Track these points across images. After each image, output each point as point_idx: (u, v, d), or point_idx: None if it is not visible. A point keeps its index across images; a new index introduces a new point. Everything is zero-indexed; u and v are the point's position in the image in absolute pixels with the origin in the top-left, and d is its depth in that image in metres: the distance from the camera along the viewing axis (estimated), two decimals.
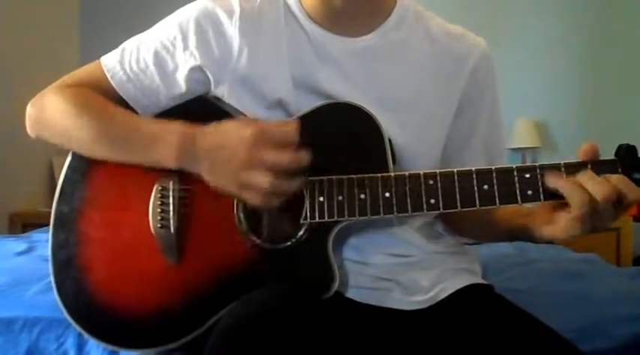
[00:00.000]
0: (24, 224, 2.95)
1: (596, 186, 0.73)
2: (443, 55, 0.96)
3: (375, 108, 0.88)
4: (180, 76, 0.92)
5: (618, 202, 0.73)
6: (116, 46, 0.98)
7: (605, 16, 3.44)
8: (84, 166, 0.95)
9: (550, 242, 0.83)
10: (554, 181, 0.76)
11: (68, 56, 3.48)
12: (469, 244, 1.07)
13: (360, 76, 0.93)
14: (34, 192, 3.22)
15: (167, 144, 0.85)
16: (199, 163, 0.84)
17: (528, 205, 0.81)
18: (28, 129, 0.98)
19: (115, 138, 0.90)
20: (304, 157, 0.80)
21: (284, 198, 0.81)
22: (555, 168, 0.78)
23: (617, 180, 0.73)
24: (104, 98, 0.93)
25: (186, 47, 0.92)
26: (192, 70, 0.92)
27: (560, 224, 0.76)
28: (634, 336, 1.06)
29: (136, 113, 0.94)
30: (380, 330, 0.88)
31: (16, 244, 1.79)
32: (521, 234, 0.87)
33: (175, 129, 0.85)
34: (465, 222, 1.00)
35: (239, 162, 0.80)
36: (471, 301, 0.91)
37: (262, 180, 0.79)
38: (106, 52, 0.98)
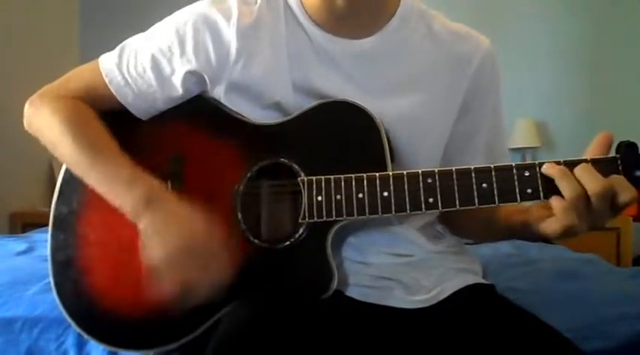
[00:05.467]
0: (24, 224, 2.95)
1: (590, 180, 0.73)
2: (446, 54, 0.95)
3: (377, 109, 0.88)
4: (177, 80, 0.92)
5: (613, 201, 0.73)
6: (116, 46, 0.98)
7: (605, 16, 3.44)
8: None
9: (549, 239, 0.83)
10: (549, 168, 0.76)
11: (68, 56, 3.48)
12: (469, 244, 1.07)
13: (361, 78, 0.92)
14: (34, 192, 3.22)
15: (129, 195, 0.83)
16: (144, 225, 0.82)
17: (527, 203, 0.81)
18: (25, 126, 0.98)
19: (89, 171, 0.89)
20: (218, 288, 0.79)
21: (187, 301, 0.79)
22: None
23: (613, 178, 0.74)
24: (95, 120, 0.92)
25: (183, 52, 0.92)
26: (189, 73, 0.92)
27: (556, 215, 0.76)
28: (633, 336, 1.06)
29: (130, 115, 0.94)
30: (381, 329, 0.88)
31: (16, 244, 1.79)
32: (519, 230, 0.87)
33: (140, 186, 0.84)
34: (463, 220, 1.00)
35: (174, 249, 0.78)
36: (472, 300, 0.91)
37: (187, 272, 0.78)
38: (106, 52, 0.98)
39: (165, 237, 0.79)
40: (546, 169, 0.77)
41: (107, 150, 0.89)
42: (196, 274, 0.78)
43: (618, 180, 0.73)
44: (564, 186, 0.74)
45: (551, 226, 0.78)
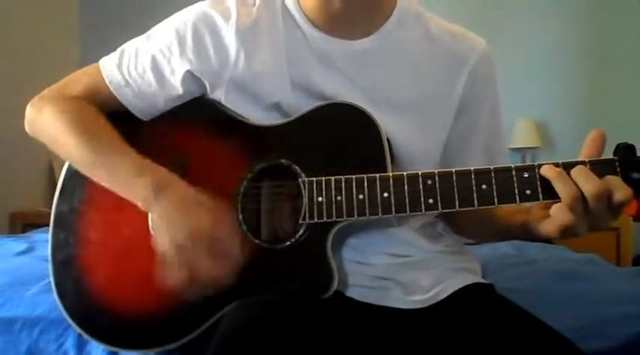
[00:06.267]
0: (24, 224, 2.94)
1: (586, 181, 0.74)
2: (443, 55, 0.96)
3: (374, 109, 0.88)
4: (177, 79, 0.92)
5: (609, 201, 0.73)
6: (116, 46, 0.99)
7: (605, 16, 3.44)
8: None
9: (548, 238, 0.83)
10: (546, 170, 0.77)
11: (68, 56, 3.48)
12: (469, 244, 1.07)
13: (359, 79, 0.93)
14: (34, 192, 3.22)
15: (139, 185, 0.84)
16: (156, 213, 0.82)
17: (527, 205, 0.81)
18: (26, 128, 0.99)
19: (94, 166, 0.89)
20: (229, 277, 0.79)
21: (196, 291, 0.79)
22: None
23: (608, 178, 0.74)
24: (99, 117, 0.93)
25: (182, 52, 0.92)
26: (189, 73, 0.92)
27: (553, 214, 0.77)
28: (634, 336, 1.06)
29: (133, 117, 0.95)
30: (380, 329, 0.89)
31: (16, 244, 1.79)
32: (519, 231, 0.87)
33: (149, 175, 0.84)
34: (463, 221, 1.00)
35: (186, 235, 0.78)
36: (471, 300, 0.91)
37: (199, 258, 0.78)
38: (107, 52, 0.99)
39: (177, 223, 0.80)
40: (544, 171, 0.77)
41: (112, 144, 0.89)
42: (207, 260, 0.78)
43: (613, 181, 0.74)
44: (561, 187, 0.75)
45: (548, 226, 0.78)
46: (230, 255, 0.79)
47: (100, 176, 0.88)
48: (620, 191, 0.73)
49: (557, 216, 0.75)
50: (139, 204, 0.84)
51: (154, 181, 0.83)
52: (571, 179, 0.75)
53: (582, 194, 0.73)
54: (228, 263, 0.79)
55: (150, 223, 0.85)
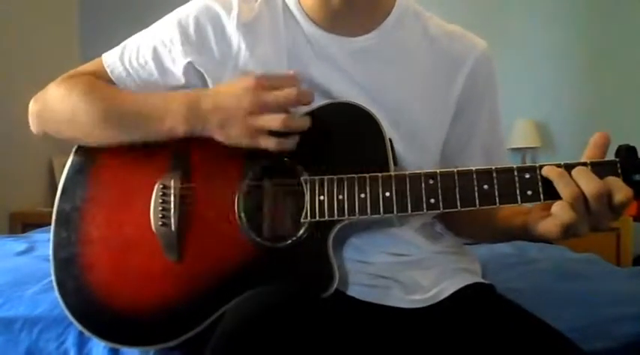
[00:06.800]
0: (24, 224, 2.94)
1: (587, 182, 0.74)
2: (441, 55, 0.96)
3: (372, 107, 0.88)
4: (178, 69, 0.94)
5: (610, 201, 0.74)
6: (116, 45, 0.99)
7: (604, 17, 3.45)
8: (86, 164, 0.95)
9: (548, 239, 0.84)
10: (548, 170, 0.77)
11: (68, 56, 3.48)
12: (469, 244, 1.07)
13: (358, 76, 0.93)
14: (34, 192, 3.22)
15: (174, 112, 0.88)
16: (208, 122, 0.86)
17: (528, 205, 0.81)
18: (32, 126, 0.99)
19: (122, 114, 0.91)
20: (309, 91, 0.85)
21: (297, 140, 0.85)
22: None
23: (609, 179, 0.74)
24: (107, 84, 0.96)
25: (184, 43, 0.93)
26: (190, 64, 0.93)
27: (554, 213, 0.77)
28: (634, 336, 1.06)
29: None
30: (380, 328, 0.89)
31: (16, 244, 1.79)
32: (520, 232, 0.87)
33: (178, 97, 0.89)
34: (464, 221, 1.00)
35: (246, 109, 0.83)
36: (471, 300, 0.91)
37: (273, 119, 0.83)
38: (106, 51, 0.99)
39: (235, 113, 0.84)
40: (545, 172, 0.77)
41: (130, 95, 0.93)
42: (276, 96, 0.83)
43: (613, 181, 0.74)
44: (562, 187, 0.75)
45: (549, 224, 0.78)
46: (289, 79, 0.86)
47: (129, 128, 0.91)
48: (621, 192, 0.73)
49: (559, 214, 0.75)
50: (183, 128, 0.87)
51: (185, 99, 0.88)
52: (572, 179, 0.75)
53: (583, 194, 0.74)
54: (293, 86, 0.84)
55: (217, 136, 0.87)
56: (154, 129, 0.89)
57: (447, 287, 0.92)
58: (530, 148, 3.38)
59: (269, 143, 0.84)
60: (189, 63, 0.93)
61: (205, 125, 0.87)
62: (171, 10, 0.98)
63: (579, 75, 3.46)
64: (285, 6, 0.96)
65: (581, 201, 0.74)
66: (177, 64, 0.94)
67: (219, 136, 0.87)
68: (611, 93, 3.41)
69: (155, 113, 0.89)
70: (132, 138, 0.91)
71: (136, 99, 0.92)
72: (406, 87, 0.94)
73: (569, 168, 0.76)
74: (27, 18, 3.20)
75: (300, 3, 0.95)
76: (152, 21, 1.00)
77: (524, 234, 0.85)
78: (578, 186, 0.74)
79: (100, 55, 0.99)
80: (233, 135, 0.85)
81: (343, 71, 0.93)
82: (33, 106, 0.98)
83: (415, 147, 0.94)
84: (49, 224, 0.97)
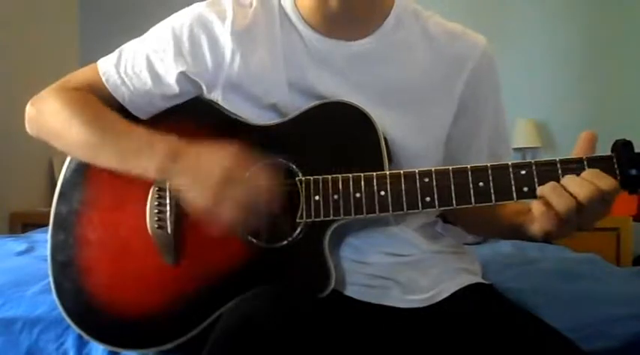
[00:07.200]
0: (24, 224, 2.95)
1: (580, 188, 0.74)
2: (442, 54, 0.95)
3: (373, 109, 0.88)
4: (172, 79, 0.93)
5: (602, 197, 0.74)
6: (116, 47, 0.99)
7: (605, 17, 3.44)
8: (83, 167, 0.95)
9: (548, 241, 0.84)
10: (540, 191, 0.77)
11: (68, 56, 3.48)
12: (469, 244, 1.07)
13: (357, 79, 0.92)
14: (34, 192, 3.22)
15: (152, 155, 0.85)
16: (179, 177, 0.83)
17: (524, 202, 0.81)
18: (27, 128, 0.99)
19: (102, 145, 0.89)
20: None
21: (258, 216, 0.82)
22: (551, 164, 0.78)
23: (591, 175, 0.74)
24: (101, 103, 0.94)
25: (178, 52, 0.93)
26: (183, 74, 0.93)
27: (536, 217, 0.77)
28: (634, 336, 1.06)
29: (134, 117, 0.95)
30: (379, 328, 0.89)
31: (16, 244, 1.79)
32: (520, 231, 0.87)
33: (161, 143, 0.85)
34: (468, 218, 1.00)
35: (217, 178, 0.80)
36: (471, 300, 0.91)
37: (239, 192, 0.80)
38: (106, 53, 1.00)
39: (205, 179, 0.81)
40: (539, 192, 0.77)
41: (118, 122, 0.91)
42: (248, 194, 0.81)
43: (594, 175, 0.74)
44: (555, 200, 0.75)
45: (533, 228, 0.79)
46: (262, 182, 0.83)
47: (108, 156, 0.89)
48: (605, 180, 0.74)
49: (540, 218, 0.77)
50: (154, 174, 0.84)
51: (166, 147, 0.84)
52: (563, 188, 0.75)
53: (577, 201, 0.74)
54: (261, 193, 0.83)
55: (167, 194, 0.86)
56: (128, 166, 0.87)
57: (447, 288, 0.92)
58: (531, 148, 3.38)
59: (230, 213, 0.81)
60: (182, 72, 0.92)
61: (174, 179, 0.84)
62: (171, 11, 0.98)
63: (579, 75, 3.46)
64: (282, 10, 0.95)
65: (575, 210, 0.74)
66: (170, 73, 0.93)
67: (184, 195, 0.83)
68: (611, 93, 3.40)
69: (133, 152, 0.86)
70: (110, 166, 0.89)
71: (120, 131, 0.89)
72: (406, 87, 0.94)
73: (564, 164, 0.77)
74: (27, 18, 3.20)
75: (297, 7, 0.94)
76: (152, 21, 0.99)
77: (523, 233, 0.85)
78: (570, 193, 0.74)
79: (99, 58, 0.99)
80: (198, 199, 0.82)
81: (341, 75, 0.92)
82: (30, 110, 0.98)
83: (416, 147, 0.93)
84: (49, 224, 0.97)
